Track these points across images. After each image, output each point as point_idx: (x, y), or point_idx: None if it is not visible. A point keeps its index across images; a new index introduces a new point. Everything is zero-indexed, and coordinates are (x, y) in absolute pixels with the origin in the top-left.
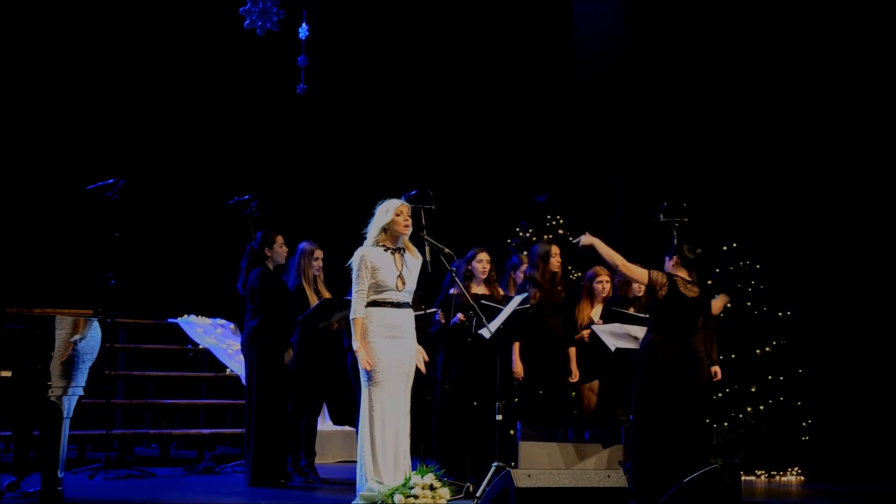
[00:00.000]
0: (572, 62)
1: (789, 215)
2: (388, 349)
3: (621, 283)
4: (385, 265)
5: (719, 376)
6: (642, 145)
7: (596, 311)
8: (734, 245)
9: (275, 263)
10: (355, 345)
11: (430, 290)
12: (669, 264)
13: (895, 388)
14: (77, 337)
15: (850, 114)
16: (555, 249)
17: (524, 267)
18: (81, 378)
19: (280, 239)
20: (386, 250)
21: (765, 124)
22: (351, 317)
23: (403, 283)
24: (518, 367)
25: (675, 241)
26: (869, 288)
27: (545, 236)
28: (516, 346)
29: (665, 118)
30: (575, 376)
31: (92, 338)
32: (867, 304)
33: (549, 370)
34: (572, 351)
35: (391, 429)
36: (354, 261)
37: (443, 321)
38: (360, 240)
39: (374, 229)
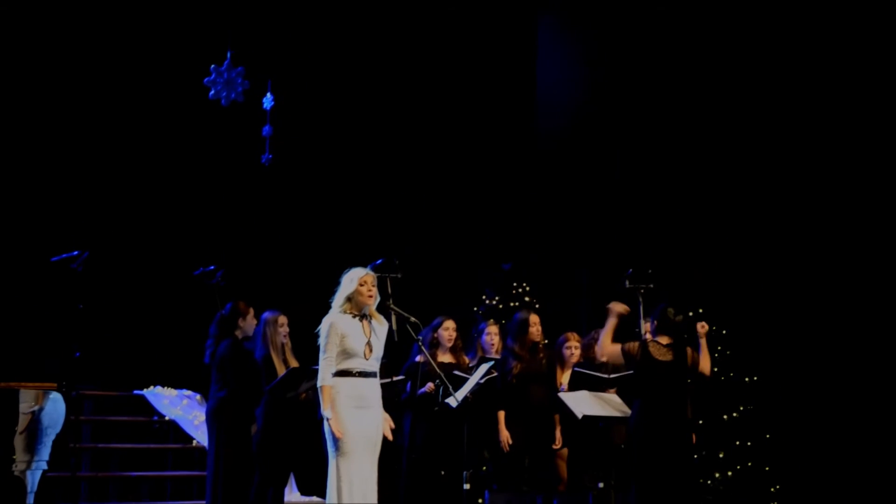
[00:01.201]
0: (535, 132)
1: (755, 281)
2: (356, 420)
3: (585, 346)
4: (353, 333)
5: (693, 441)
6: (605, 212)
7: (566, 377)
8: (700, 311)
9: (244, 335)
10: (325, 413)
11: (396, 358)
12: (651, 327)
13: (863, 454)
14: (37, 407)
15: (811, 185)
16: (533, 318)
17: (490, 329)
18: (45, 451)
19: (251, 311)
20: (354, 317)
21: (728, 191)
22: (318, 384)
23: (371, 351)
24: (504, 436)
25: (660, 306)
26: (835, 353)
27: (511, 304)
28: (501, 415)
29: (629, 186)
30: (558, 443)
31: (55, 410)
32: (834, 369)
33: (532, 439)
34: (556, 418)
35: (359, 499)
36: (323, 327)
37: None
38: (325, 308)
39: (339, 298)
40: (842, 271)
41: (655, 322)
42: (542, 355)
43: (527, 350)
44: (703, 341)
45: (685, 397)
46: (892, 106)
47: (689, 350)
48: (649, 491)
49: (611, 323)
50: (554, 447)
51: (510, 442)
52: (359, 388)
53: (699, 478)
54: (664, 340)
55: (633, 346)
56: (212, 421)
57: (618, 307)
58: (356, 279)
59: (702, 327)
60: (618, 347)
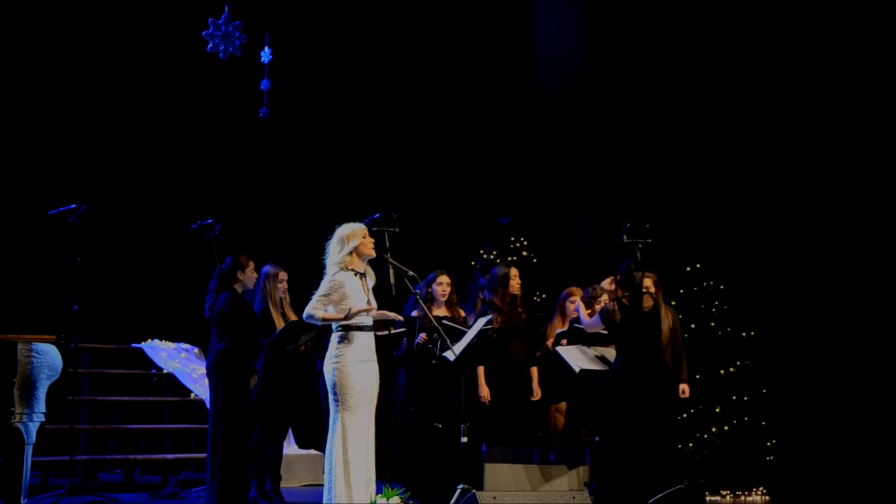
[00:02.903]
0: (533, 86)
1: (753, 236)
2: (360, 374)
3: (584, 303)
4: (356, 292)
5: (687, 394)
6: (604, 167)
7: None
8: (698, 266)
9: (244, 288)
10: (350, 314)
11: (396, 312)
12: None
13: (858, 407)
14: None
15: (810, 135)
16: (513, 272)
17: None
18: (43, 404)
19: (252, 264)
20: (355, 275)
21: (727, 146)
22: (318, 317)
23: (370, 308)
24: (484, 391)
25: (625, 262)
26: (832, 307)
27: (509, 258)
28: (481, 370)
29: (626, 140)
30: (537, 395)
31: (52, 363)
32: (830, 323)
33: (512, 393)
34: (534, 371)
35: (363, 452)
36: (328, 281)
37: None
38: (323, 262)
39: (340, 254)
40: (840, 225)
41: (618, 278)
42: (520, 309)
43: (506, 304)
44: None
45: (665, 349)
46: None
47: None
48: (632, 442)
49: (577, 306)
50: (533, 399)
51: (489, 398)
52: (364, 342)
53: (683, 425)
54: (626, 295)
55: (610, 306)
56: (211, 374)
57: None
58: (359, 233)
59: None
60: (597, 318)
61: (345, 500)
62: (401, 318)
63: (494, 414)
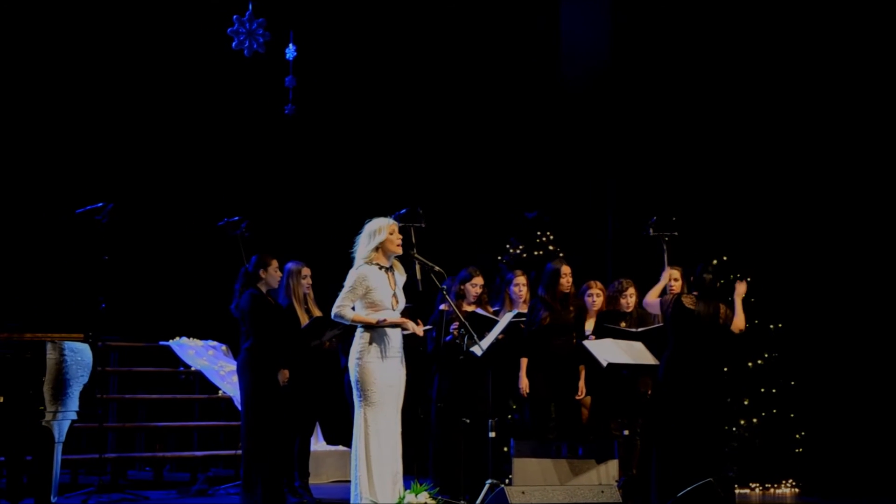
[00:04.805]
0: (559, 79)
1: (779, 228)
2: (384, 369)
3: (610, 297)
4: (381, 285)
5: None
6: (630, 160)
7: (590, 325)
8: (724, 258)
9: (268, 286)
10: (379, 319)
11: (423, 308)
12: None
13: (888, 399)
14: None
15: (837, 127)
16: (565, 269)
17: (518, 279)
18: (73, 402)
19: (275, 262)
20: (380, 269)
21: (753, 137)
22: (348, 318)
23: (397, 302)
24: (524, 384)
25: (699, 267)
26: (860, 299)
27: (535, 252)
28: (524, 363)
29: (652, 133)
30: (581, 393)
31: (83, 361)
32: (858, 315)
33: (556, 389)
34: (582, 369)
35: (387, 448)
36: (351, 277)
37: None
38: (349, 258)
39: (366, 248)
40: (868, 216)
41: (692, 279)
42: (571, 307)
43: (557, 300)
44: (738, 300)
45: (715, 347)
46: None
47: (722, 306)
48: (676, 439)
49: (662, 281)
50: (577, 397)
51: (528, 390)
52: (388, 337)
53: (726, 426)
54: (695, 294)
55: (667, 298)
56: (240, 373)
57: (673, 272)
58: (385, 229)
59: (741, 285)
60: (657, 302)
61: (368, 496)
62: (419, 331)
63: (537, 409)
